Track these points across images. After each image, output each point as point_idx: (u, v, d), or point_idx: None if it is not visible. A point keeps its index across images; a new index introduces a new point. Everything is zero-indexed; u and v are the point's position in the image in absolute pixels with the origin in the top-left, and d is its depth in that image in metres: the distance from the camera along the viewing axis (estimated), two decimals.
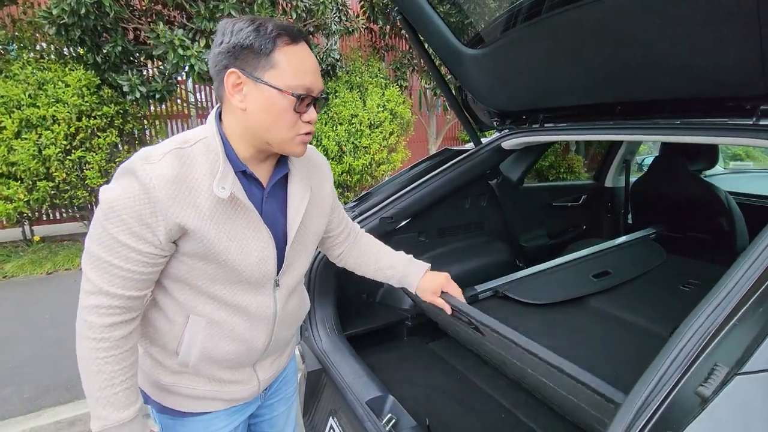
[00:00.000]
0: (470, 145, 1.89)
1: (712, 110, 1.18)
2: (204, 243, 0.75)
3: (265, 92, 0.74)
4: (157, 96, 4.27)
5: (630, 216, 2.72)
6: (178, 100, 5.62)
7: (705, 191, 2.25)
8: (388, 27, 5.98)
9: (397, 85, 5.92)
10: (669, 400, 0.58)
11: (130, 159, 0.73)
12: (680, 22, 1.03)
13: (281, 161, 0.87)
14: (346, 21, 5.28)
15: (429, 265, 1.14)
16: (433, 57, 1.71)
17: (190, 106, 5.76)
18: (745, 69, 1.00)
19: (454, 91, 1.79)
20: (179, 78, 4.83)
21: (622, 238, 2.27)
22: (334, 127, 5.26)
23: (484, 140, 1.86)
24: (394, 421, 1.09)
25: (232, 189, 0.75)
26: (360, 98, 5.48)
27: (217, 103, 0.84)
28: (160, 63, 4.40)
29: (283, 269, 0.88)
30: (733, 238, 2.29)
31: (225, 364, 0.87)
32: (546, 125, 1.65)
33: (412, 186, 1.67)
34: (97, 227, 0.72)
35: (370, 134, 5.38)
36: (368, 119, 5.34)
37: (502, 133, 1.82)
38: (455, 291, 1.12)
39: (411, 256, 1.15)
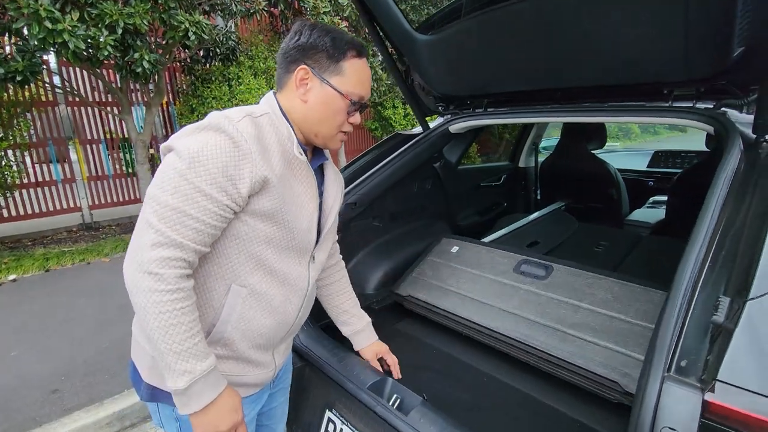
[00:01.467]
0: (417, 130, 1.95)
1: (637, 95, 1.40)
2: (275, 200, 0.80)
3: (328, 92, 0.85)
4: (18, 78, 3.53)
5: (539, 192, 3.06)
6: (48, 84, 4.71)
7: (600, 167, 2.64)
8: (289, 12, 5.75)
9: None
10: (685, 329, 0.69)
11: (205, 119, 0.76)
12: (614, 18, 1.19)
13: (318, 151, 0.98)
14: (246, 2, 4.95)
15: (377, 337, 1.28)
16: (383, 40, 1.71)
17: (58, 90, 4.87)
18: (669, 60, 1.20)
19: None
20: (44, 57, 4.05)
21: (542, 211, 2.56)
22: None
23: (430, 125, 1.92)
24: (399, 400, 1.10)
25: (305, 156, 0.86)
26: (267, 85, 5.21)
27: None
28: (18, 39, 3.64)
29: (319, 244, 0.96)
30: (620, 205, 2.75)
31: (257, 340, 0.88)
32: (489, 109, 1.78)
33: (371, 171, 1.67)
34: (174, 177, 0.71)
35: None
36: None
37: (446, 117, 1.91)
38: (392, 361, 1.27)
39: (370, 320, 1.28)
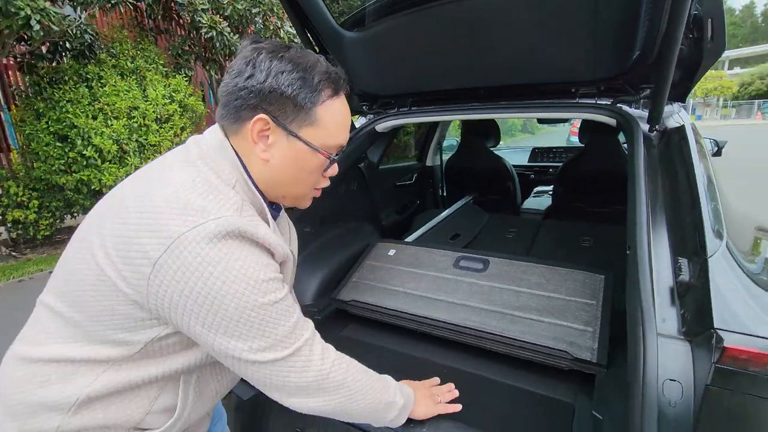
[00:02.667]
0: None
1: (549, 93, 1.57)
2: None
3: (297, 147, 0.68)
4: None
5: (445, 189, 3.25)
6: None
7: (498, 162, 2.91)
8: (158, 7, 5.14)
9: (183, 74, 5.20)
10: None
11: (216, 223, 0.58)
12: (532, 24, 1.32)
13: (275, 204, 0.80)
14: None
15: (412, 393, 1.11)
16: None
17: None
18: (579, 62, 1.37)
19: None
20: None
21: (455, 206, 2.72)
22: (108, 122, 4.25)
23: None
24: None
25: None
26: (139, 87, 4.58)
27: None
28: None
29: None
30: (516, 196, 3.07)
31: (208, 405, 0.78)
32: (413, 108, 1.82)
33: None
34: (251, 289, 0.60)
35: (158, 130, 4.59)
36: (154, 112, 4.53)
37: (370, 117, 1.90)
38: (453, 409, 1.13)
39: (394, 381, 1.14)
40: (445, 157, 3.24)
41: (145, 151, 4.48)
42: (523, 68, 1.49)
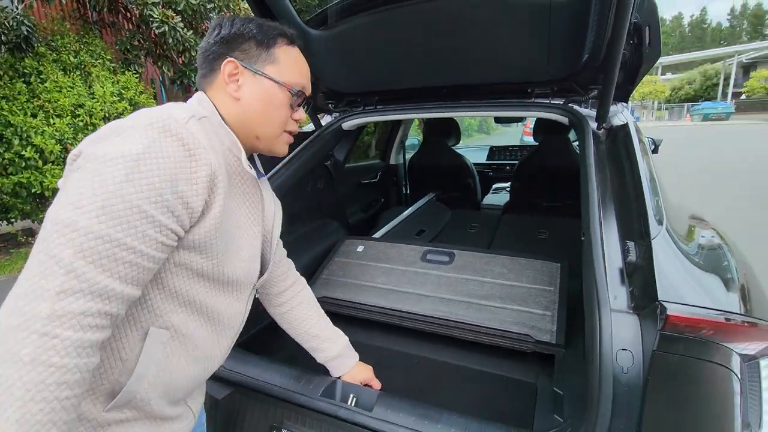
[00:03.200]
0: (308, 128, 1.90)
1: (507, 92, 1.66)
2: (218, 227, 0.64)
3: (264, 84, 0.75)
4: None
5: (409, 186, 3.32)
6: None
7: (459, 160, 3.02)
8: None
9: (132, 70, 4.96)
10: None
11: (133, 118, 0.59)
12: (493, 28, 1.40)
13: (254, 166, 0.86)
14: None
15: (357, 358, 1.16)
16: None
17: None
18: (534, 63, 1.46)
19: None
20: None
21: (419, 203, 2.79)
22: (50, 120, 3.98)
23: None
24: (356, 398, 1.08)
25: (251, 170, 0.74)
26: (84, 84, 4.32)
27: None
28: None
29: (265, 274, 0.85)
30: (476, 193, 3.19)
31: (176, 395, 0.72)
32: (378, 106, 1.86)
33: (274, 171, 1.57)
34: (100, 194, 0.51)
35: None
36: (101, 110, 4.29)
37: (335, 115, 1.92)
38: (377, 386, 1.16)
39: (347, 340, 1.15)
40: (408, 155, 3.31)
41: None
42: (484, 69, 1.57)
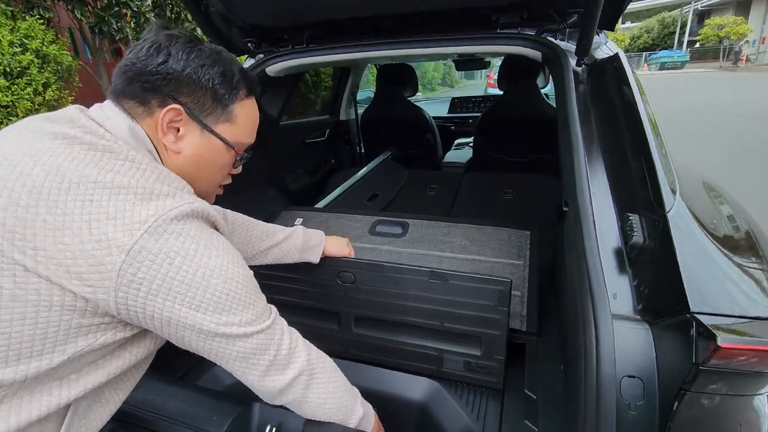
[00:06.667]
0: None
1: (465, 23, 1.33)
2: None
3: (211, 143, 0.67)
4: None
5: (363, 145, 2.99)
6: None
7: (417, 113, 2.70)
8: None
9: (37, 15, 4.20)
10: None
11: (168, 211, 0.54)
12: None
13: None
14: None
15: (322, 233, 1.12)
16: None
17: None
18: None
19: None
20: None
21: (372, 164, 2.48)
22: None
23: None
24: (275, 428, 0.83)
25: None
26: None
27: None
28: None
29: None
30: (436, 150, 2.91)
31: None
32: (311, 45, 1.49)
33: None
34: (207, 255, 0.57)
35: (9, 87, 3.69)
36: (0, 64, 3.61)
37: (258, 58, 1.55)
38: (352, 254, 1.14)
39: (299, 223, 1.13)
40: (361, 111, 2.95)
41: None
42: None
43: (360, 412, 0.77)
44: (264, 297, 0.66)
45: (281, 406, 0.90)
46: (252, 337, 0.61)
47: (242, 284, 0.60)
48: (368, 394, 1.09)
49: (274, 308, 0.68)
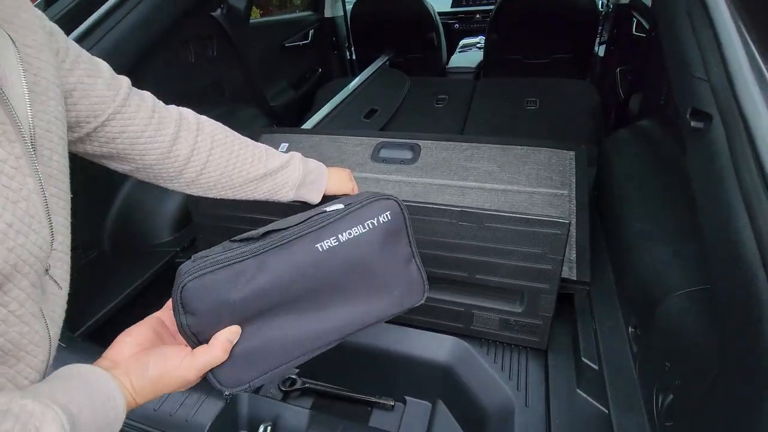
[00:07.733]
0: None
1: None
2: None
3: None
4: None
5: (354, 49, 2.56)
6: None
7: (418, 7, 2.25)
8: None
9: None
10: None
11: None
12: None
13: None
14: None
15: (323, 165, 0.81)
16: None
17: None
18: None
19: None
20: None
21: (367, 71, 2.10)
22: None
23: None
24: (269, 427, 0.64)
25: None
26: None
27: None
28: None
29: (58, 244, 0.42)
30: (441, 53, 2.49)
31: None
32: None
33: (81, 31, 0.87)
34: None
35: None
36: None
37: None
38: (356, 190, 0.84)
39: (297, 154, 0.77)
40: (350, 7, 2.46)
41: None
42: None
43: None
44: None
45: (278, 402, 0.71)
46: None
47: None
48: (388, 356, 0.92)
49: None
